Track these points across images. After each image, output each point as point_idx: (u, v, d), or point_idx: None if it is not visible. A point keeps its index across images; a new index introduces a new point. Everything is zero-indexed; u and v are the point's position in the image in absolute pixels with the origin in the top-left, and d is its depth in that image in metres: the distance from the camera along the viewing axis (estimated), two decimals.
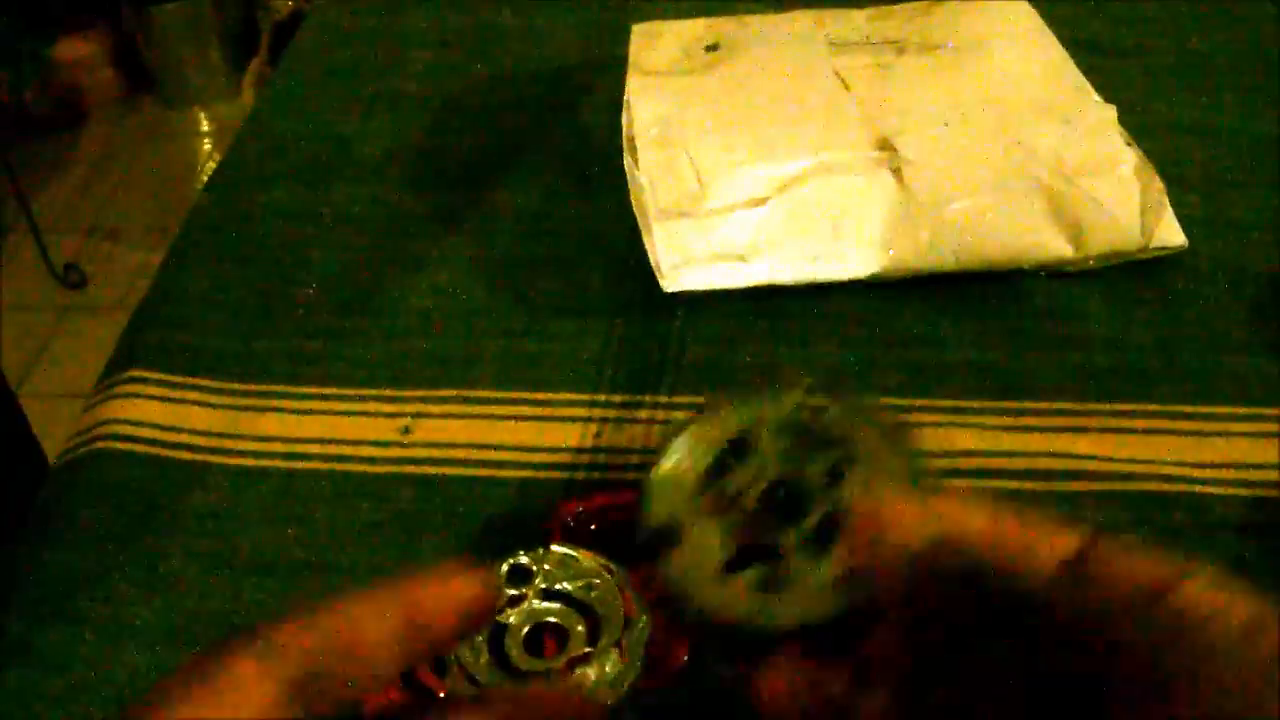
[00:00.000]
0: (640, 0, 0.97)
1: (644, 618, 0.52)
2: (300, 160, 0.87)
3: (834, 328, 0.70)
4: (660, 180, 0.74)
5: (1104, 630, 0.30)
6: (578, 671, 0.49)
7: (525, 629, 0.52)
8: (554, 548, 0.54)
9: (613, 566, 0.53)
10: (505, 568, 0.53)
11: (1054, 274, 0.72)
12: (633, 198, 0.76)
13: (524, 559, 0.53)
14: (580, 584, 0.53)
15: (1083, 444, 0.63)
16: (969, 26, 0.83)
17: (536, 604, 0.52)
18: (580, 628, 0.52)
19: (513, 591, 0.53)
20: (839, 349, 0.69)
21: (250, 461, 0.65)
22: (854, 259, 0.71)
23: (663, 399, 0.67)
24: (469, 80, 0.94)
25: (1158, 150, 0.75)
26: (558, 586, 0.53)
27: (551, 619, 0.52)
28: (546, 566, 0.53)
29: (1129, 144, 0.74)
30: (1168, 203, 0.72)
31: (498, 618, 0.52)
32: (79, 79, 2.37)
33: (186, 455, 0.66)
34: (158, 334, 0.74)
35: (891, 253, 0.71)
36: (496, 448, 0.65)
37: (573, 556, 0.54)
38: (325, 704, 0.26)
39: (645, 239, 0.73)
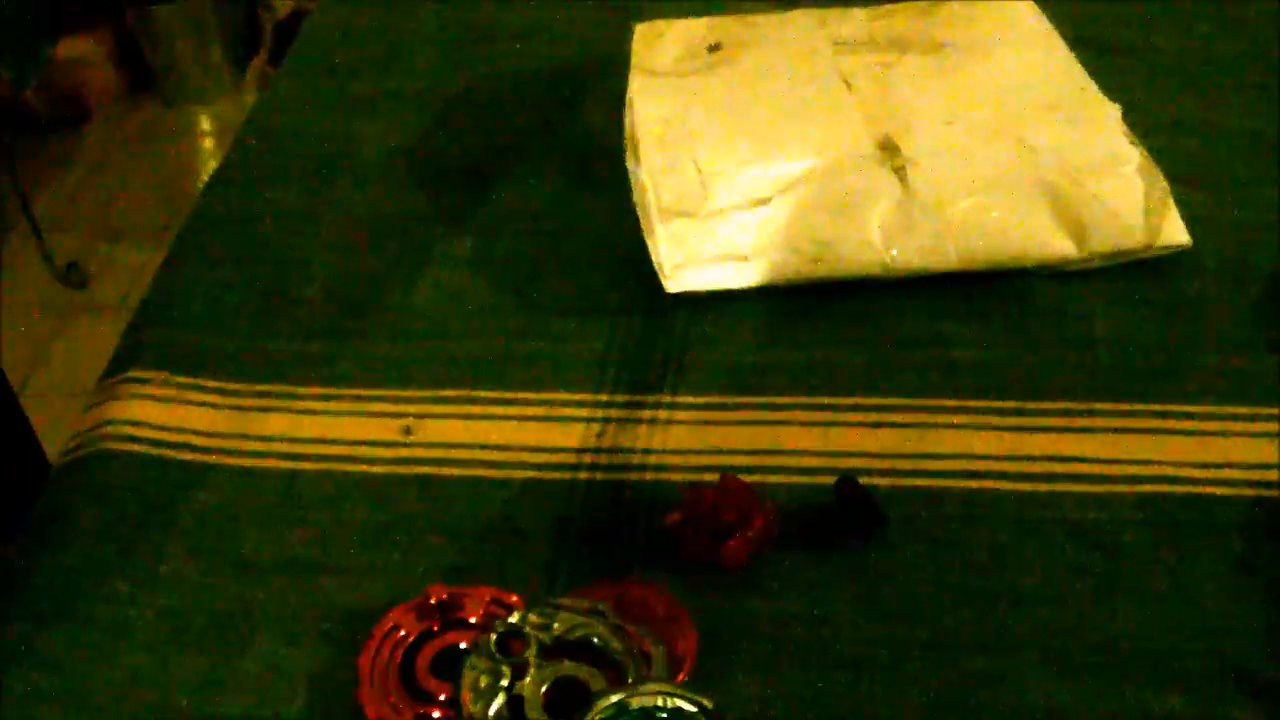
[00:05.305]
0: (642, 0, 0.97)
1: (659, 647, 0.51)
2: (302, 160, 0.87)
3: (837, 328, 0.70)
4: (663, 180, 0.73)
5: None
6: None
7: (542, 691, 0.50)
8: (537, 604, 0.52)
9: (599, 606, 0.52)
10: (493, 640, 0.51)
11: (1057, 273, 0.72)
12: (635, 198, 0.76)
13: (513, 623, 0.52)
14: (579, 633, 0.51)
15: (1086, 444, 0.62)
16: (972, 26, 0.83)
17: (543, 666, 0.51)
18: (597, 676, 0.50)
19: (511, 662, 0.51)
20: (842, 349, 0.69)
21: (251, 462, 0.65)
22: (857, 259, 0.71)
23: (665, 399, 0.67)
24: (471, 80, 0.93)
25: (1162, 149, 0.75)
26: (555, 640, 0.51)
27: (562, 675, 0.51)
28: (538, 627, 0.52)
29: (1133, 143, 0.74)
30: (1172, 202, 0.72)
31: (511, 693, 0.50)
32: (80, 78, 2.37)
33: (188, 456, 0.66)
34: (159, 334, 0.74)
35: (894, 253, 0.71)
36: (499, 448, 0.65)
37: (553, 606, 0.52)
38: None
39: (648, 239, 0.73)
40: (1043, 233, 0.71)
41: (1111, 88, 0.78)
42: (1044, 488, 0.61)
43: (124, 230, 2.13)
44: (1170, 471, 0.61)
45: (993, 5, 0.85)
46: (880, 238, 0.71)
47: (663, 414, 0.66)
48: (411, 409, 0.67)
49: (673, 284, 0.71)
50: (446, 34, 0.99)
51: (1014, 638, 0.54)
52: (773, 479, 0.62)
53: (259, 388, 0.69)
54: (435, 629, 0.54)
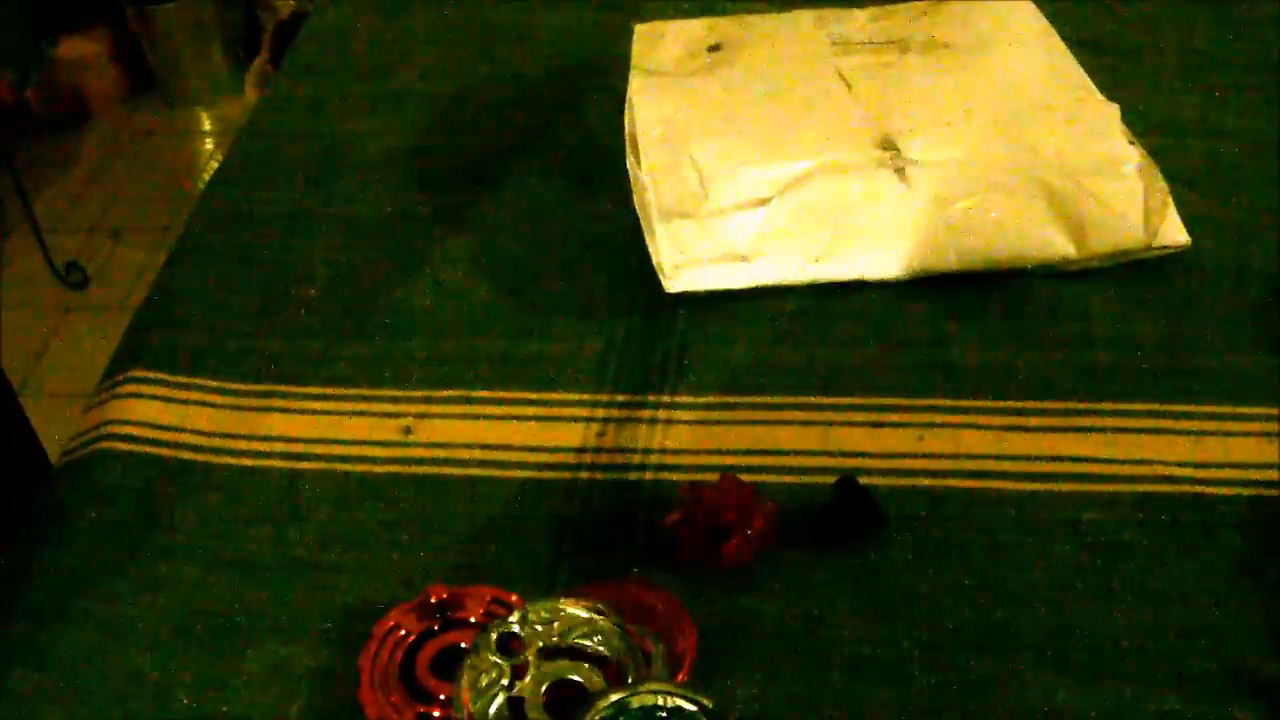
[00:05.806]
0: (642, 0, 0.97)
1: (659, 646, 0.51)
2: (302, 160, 0.87)
3: (836, 328, 0.70)
4: (663, 181, 0.73)
5: None
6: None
7: (542, 690, 0.50)
8: (536, 604, 0.52)
9: (599, 606, 0.52)
10: (494, 640, 0.51)
11: (1057, 273, 0.72)
12: (635, 198, 0.76)
13: (513, 623, 0.52)
14: (579, 633, 0.51)
15: (1086, 444, 0.62)
16: (972, 26, 0.83)
17: (543, 666, 0.51)
18: (597, 676, 0.50)
19: (511, 662, 0.51)
20: (842, 349, 0.69)
21: (251, 462, 0.65)
22: (856, 259, 0.71)
23: (665, 398, 0.67)
24: (471, 80, 0.94)
25: (1161, 149, 0.75)
26: (555, 640, 0.51)
27: (562, 676, 0.50)
28: (538, 627, 0.52)
29: (1132, 143, 0.74)
30: (1171, 202, 0.72)
31: (511, 693, 0.50)
32: (81, 78, 2.37)
33: (188, 455, 0.66)
34: (159, 334, 0.74)
35: (894, 253, 0.71)
36: (498, 448, 0.65)
37: (553, 606, 0.52)
38: None
39: (648, 239, 0.73)
40: (1042, 233, 0.71)
41: (1111, 88, 0.78)
42: (1044, 488, 0.61)
43: (124, 230, 2.13)
44: (1170, 471, 0.61)
45: (993, 5, 0.85)
46: (880, 238, 0.71)
47: (663, 414, 0.66)
48: (411, 409, 0.67)
49: (673, 284, 0.71)
50: (446, 34, 0.99)
51: (1014, 638, 0.54)
52: (773, 479, 0.62)
53: (259, 387, 0.69)
54: (435, 629, 0.54)
